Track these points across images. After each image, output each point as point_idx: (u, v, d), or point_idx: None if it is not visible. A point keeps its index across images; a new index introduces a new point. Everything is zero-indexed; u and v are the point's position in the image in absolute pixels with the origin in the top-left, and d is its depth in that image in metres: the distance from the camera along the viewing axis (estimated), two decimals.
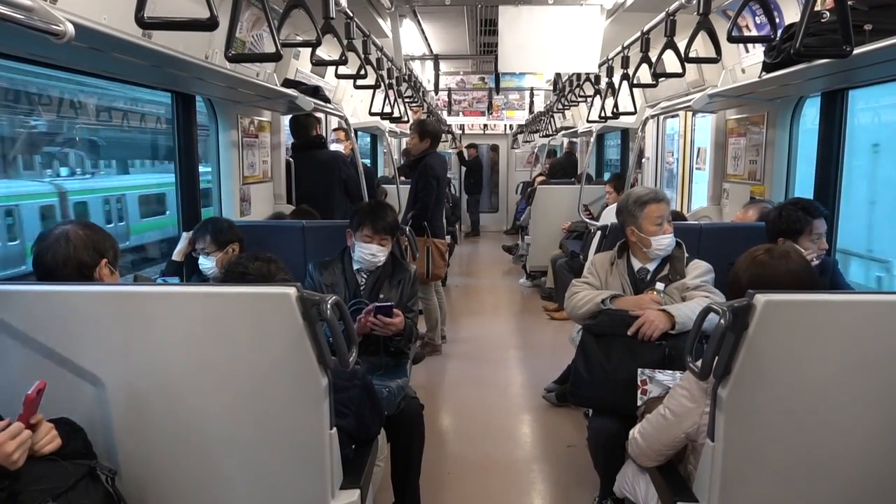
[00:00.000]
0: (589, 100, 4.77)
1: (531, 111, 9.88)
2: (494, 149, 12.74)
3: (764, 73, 2.67)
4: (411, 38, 5.64)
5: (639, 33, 2.94)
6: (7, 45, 1.80)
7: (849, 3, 1.67)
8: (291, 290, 1.43)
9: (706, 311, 1.51)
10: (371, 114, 3.93)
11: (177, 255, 2.81)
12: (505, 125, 12.23)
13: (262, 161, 3.77)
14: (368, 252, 2.54)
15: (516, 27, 4.18)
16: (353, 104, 5.84)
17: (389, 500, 2.49)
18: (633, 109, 3.58)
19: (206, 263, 2.58)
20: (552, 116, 7.57)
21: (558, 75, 5.78)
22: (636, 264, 2.53)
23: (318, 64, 2.89)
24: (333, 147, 4.88)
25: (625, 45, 3.31)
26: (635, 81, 3.19)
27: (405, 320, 2.43)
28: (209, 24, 1.46)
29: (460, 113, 11.61)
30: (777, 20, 2.73)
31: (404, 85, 5.01)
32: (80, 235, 1.74)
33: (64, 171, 7.93)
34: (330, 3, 2.22)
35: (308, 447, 1.54)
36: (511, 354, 4.80)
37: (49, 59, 2.09)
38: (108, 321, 1.49)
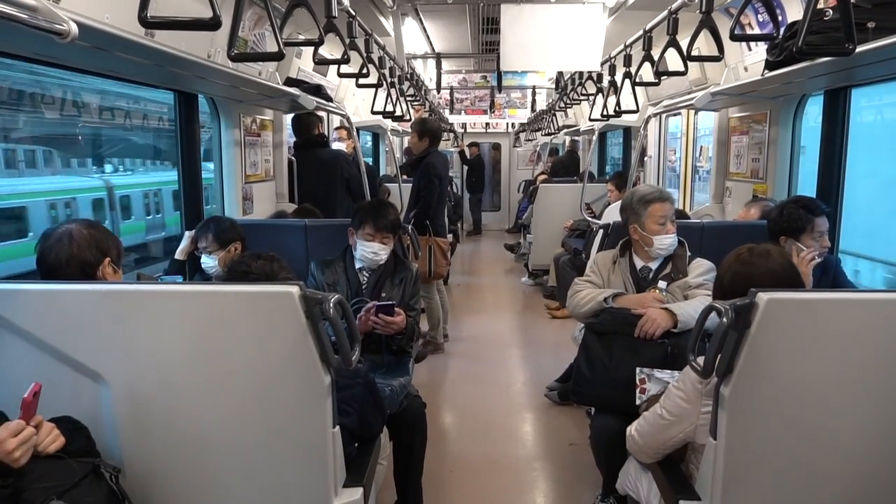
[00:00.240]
0: (591, 98, 4.77)
1: (533, 109, 9.86)
2: (496, 147, 12.73)
3: (766, 71, 2.66)
4: (413, 37, 5.65)
5: (641, 31, 2.94)
6: (11, 44, 1.81)
7: (851, 0, 1.66)
8: (294, 289, 1.43)
9: (708, 310, 1.52)
10: (373, 112, 3.93)
11: (179, 253, 2.81)
12: (507, 123, 12.21)
13: (265, 160, 3.77)
14: (370, 251, 2.54)
15: (518, 25, 4.18)
16: (355, 103, 5.84)
17: (392, 498, 2.49)
18: (635, 108, 3.57)
19: (209, 262, 2.58)
20: (554, 115, 7.55)
21: (560, 74, 5.77)
22: (638, 263, 2.53)
23: (321, 63, 2.90)
24: (336, 146, 4.88)
25: (627, 43, 3.30)
26: (637, 80, 3.19)
27: (407, 319, 2.44)
28: (212, 24, 1.46)
29: (462, 111, 11.60)
30: (780, 18, 2.71)
31: (406, 83, 5.01)
32: (83, 234, 1.74)
33: (108, 167, 8.84)
34: (332, 2, 2.22)
35: (311, 445, 1.55)
36: (513, 353, 4.80)
37: (52, 59, 2.09)
38: (111, 320, 1.50)
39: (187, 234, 2.83)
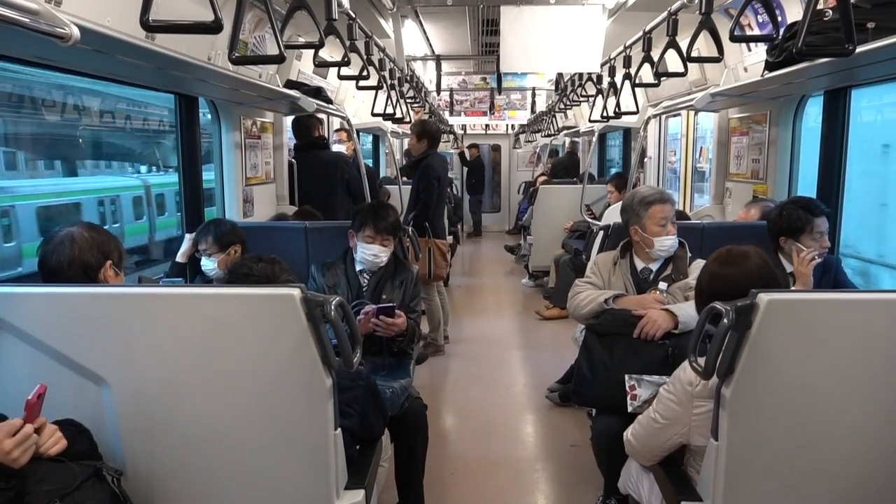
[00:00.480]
0: (591, 99, 4.77)
1: (533, 111, 9.87)
2: (496, 149, 12.73)
3: (766, 71, 2.67)
4: (413, 39, 5.65)
5: (641, 33, 2.95)
6: (12, 47, 1.81)
7: (851, 1, 1.67)
8: (295, 292, 1.44)
9: (709, 311, 1.52)
10: (373, 114, 3.94)
11: (180, 256, 2.81)
12: (507, 125, 12.22)
13: (265, 162, 3.77)
14: (371, 253, 2.54)
15: (518, 27, 4.18)
16: (355, 105, 5.85)
17: (393, 500, 2.50)
18: (635, 109, 3.58)
19: (209, 265, 2.58)
20: (554, 116, 7.56)
21: (560, 75, 5.77)
22: (639, 264, 2.53)
23: (321, 65, 2.89)
24: (336, 148, 4.89)
25: (627, 44, 3.31)
26: (637, 81, 3.19)
27: (408, 321, 2.44)
28: (213, 27, 1.47)
29: (462, 113, 11.61)
30: (779, 19, 2.72)
31: (406, 85, 5.01)
32: (84, 237, 1.75)
33: (143, 168, 9.39)
34: (332, 5, 2.22)
35: (313, 447, 1.55)
36: (514, 354, 4.80)
37: (53, 62, 2.09)
38: (113, 322, 1.50)
39: (188, 236, 2.84)
